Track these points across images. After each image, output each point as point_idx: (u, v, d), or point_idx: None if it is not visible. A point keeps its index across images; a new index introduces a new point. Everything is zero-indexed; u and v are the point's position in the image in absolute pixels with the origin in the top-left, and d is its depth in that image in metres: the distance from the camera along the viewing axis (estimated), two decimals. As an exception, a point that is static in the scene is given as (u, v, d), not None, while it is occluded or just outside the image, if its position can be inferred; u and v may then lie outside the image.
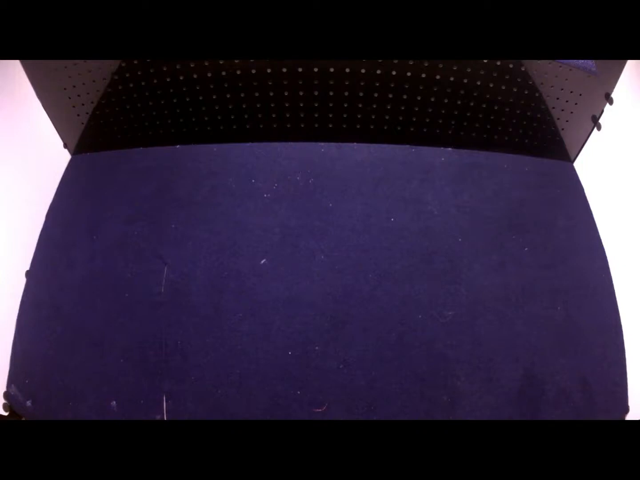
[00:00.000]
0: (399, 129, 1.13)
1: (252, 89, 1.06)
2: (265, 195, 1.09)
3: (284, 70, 1.02)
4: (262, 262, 1.03)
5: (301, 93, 1.06)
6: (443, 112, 1.09)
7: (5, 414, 0.94)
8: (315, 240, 1.04)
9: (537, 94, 1.06)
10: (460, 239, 1.05)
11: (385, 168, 1.12)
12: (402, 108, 1.09)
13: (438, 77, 1.02)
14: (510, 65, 1.01)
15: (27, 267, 1.07)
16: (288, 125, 1.13)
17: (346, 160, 1.13)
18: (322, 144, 1.15)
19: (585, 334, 0.98)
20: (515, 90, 1.05)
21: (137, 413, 0.92)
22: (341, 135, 1.14)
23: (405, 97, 1.07)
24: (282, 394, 0.93)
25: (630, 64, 0.99)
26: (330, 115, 1.11)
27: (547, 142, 1.15)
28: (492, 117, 1.10)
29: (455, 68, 1.01)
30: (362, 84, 1.04)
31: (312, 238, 1.05)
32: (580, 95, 1.05)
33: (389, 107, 1.09)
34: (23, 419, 0.93)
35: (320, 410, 0.91)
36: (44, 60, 1.01)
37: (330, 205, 1.08)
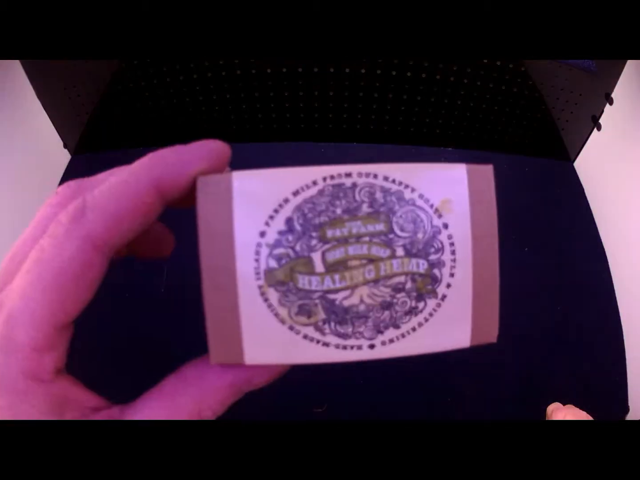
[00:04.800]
0: (399, 129, 1.13)
1: (252, 89, 1.06)
2: (265, 195, 1.09)
3: (284, 70, 1.02)
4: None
5: (301, 93, 1.06)
6: (443, 112, 1.09)
7: (5, 414, 0.94)
8: (315, 240, 1.04)
9: (537, 94, 1.06)
10: (460, 239, 1.05)
11: (385, 168, 1.12)
12: (402, 108, 1.09)
13: (438, 77, 1.03)
14: (510, 65, 1.01)
15: (27, 267, 1.07)
16: (288, 126, 1.13)
17: (346, 160, 1.13)
18: (322, 144, 1.15)
19: (585, 334, 0.98)
20: (515, 90, 1.05)
21: (137, 413, 0.92)
22: (341, 135, 1.14)
23: (405, 97, 1.07)
24: (282, 394, 0.92)
25: (630, 64, 0.99)
26: (330, 115, 1.11)
27: (547, 142, 1.15)
28: (492, 117, 1.10)
29: (455, 68, 1.01)
30: (362, 84, 1.04)
31: (312, 238, 1.04)
32: (580, 95, 1.05)
33: (389, 107, 1.09)
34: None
35: (320, 410, 0.91)
36: (44, 60, 1.01)
37: (330, 205, 1.08)
